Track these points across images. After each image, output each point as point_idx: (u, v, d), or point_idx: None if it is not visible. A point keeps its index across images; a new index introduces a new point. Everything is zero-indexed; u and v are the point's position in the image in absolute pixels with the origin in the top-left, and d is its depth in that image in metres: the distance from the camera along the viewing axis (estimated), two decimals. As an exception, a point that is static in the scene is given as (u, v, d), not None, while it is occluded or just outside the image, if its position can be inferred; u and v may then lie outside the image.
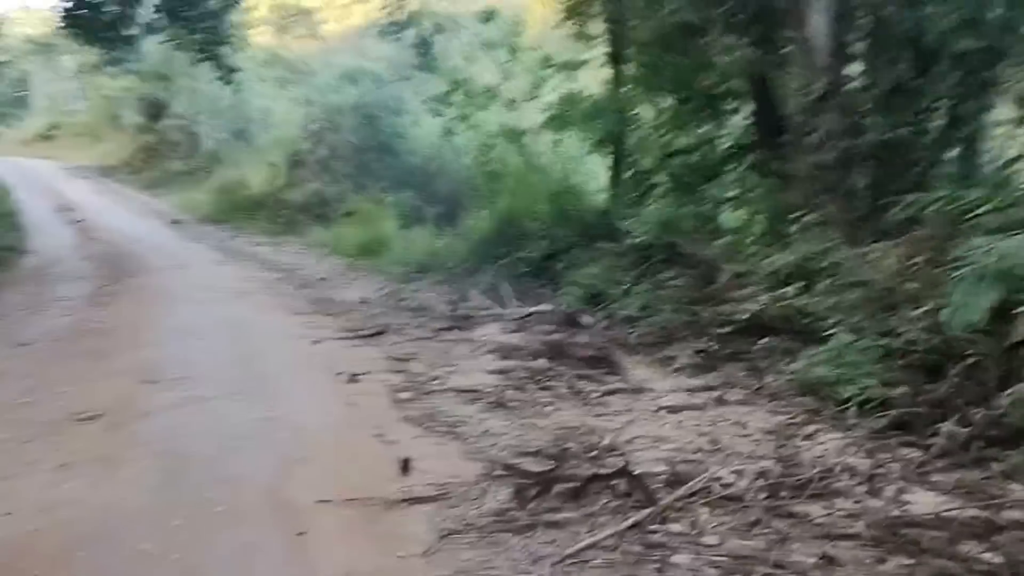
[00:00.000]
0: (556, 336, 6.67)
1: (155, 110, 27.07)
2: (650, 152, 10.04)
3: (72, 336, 7.03)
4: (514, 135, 11.46)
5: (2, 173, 21.48)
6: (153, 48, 23.04)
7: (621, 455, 3.90)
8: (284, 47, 32.70)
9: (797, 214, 6.45)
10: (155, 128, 26.71)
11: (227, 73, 13.25)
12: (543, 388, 5.22)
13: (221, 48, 13.01)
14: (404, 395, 5.06)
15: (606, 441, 4.12)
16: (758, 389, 5.10)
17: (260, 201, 17.43)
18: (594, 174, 11.52)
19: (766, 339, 5.57)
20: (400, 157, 17.34)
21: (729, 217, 8.40)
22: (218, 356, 6.12)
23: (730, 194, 8.64)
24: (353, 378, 5.42)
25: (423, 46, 11.80)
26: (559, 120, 10.95)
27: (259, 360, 6.04)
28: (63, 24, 12.10)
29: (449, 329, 7.25)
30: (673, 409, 4.80)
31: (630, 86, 10.48)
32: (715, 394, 5.08)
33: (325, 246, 13.72)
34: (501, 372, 5.58)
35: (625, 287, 7.30)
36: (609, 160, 10.88)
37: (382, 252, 12.34)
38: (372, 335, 6.94)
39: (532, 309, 7.77)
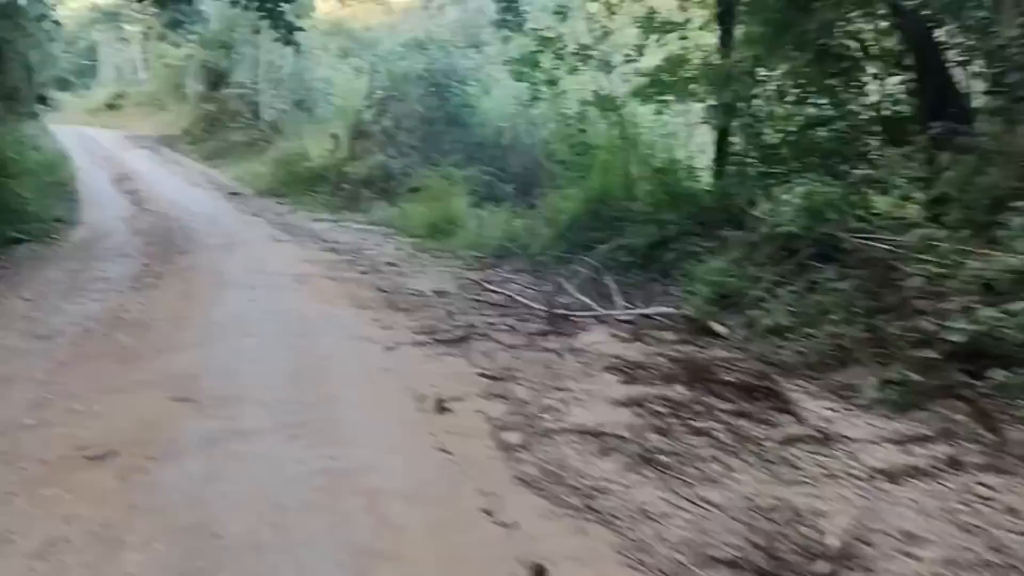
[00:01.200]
0: (687, 349, 5.32)
1: (216, 79, 26.38)
2: (774, 124, 8.53)
3: (103, 328, 5.95)
4: (608, 103, 9.99)
5: (64, 142, 20.99)
6: (215, 14, 22.25)
7: (868, 570, 2.55)
8: (348, 16, 31.69)
9: (1017, 203, 4.92)
10: (216, 97, 26.03)
11: (288, 33, 12.07)
12: (695, 432, 3.87)
13: (282, 5, 11.86)
14: (512, 437, 3.77)
15: (832, 538, 2.77)
16: (1001, 445, 3.68)
17: (321, 174, 16.44)
18: (699, 149, 10.03)
19: (995, 371, 4.13)
20: (470, 129, 16.06)
21: (884, 203, 6.83)
22: (271, 365, 4.93)
23: (882, 174, 7.06)
24: (441, 407, 4.17)
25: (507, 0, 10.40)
26: (660, 86, 9.48)
27: (321, 373, 4.82)
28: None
29: (546, 334, 5.96)
30: (891, 475, 3.41)
31: (747, 47, 8.96)
32: (940, 450, 3.66)
33: (390, 224, 12.56)
34: (632, 403, 4.24)
35: (766, 287, 5.89)
36: (716, 133, 9.38)
37: (453, 233, 11.11)
38: (456, 340, 5.68)
39: (645, 310, 6.42)
